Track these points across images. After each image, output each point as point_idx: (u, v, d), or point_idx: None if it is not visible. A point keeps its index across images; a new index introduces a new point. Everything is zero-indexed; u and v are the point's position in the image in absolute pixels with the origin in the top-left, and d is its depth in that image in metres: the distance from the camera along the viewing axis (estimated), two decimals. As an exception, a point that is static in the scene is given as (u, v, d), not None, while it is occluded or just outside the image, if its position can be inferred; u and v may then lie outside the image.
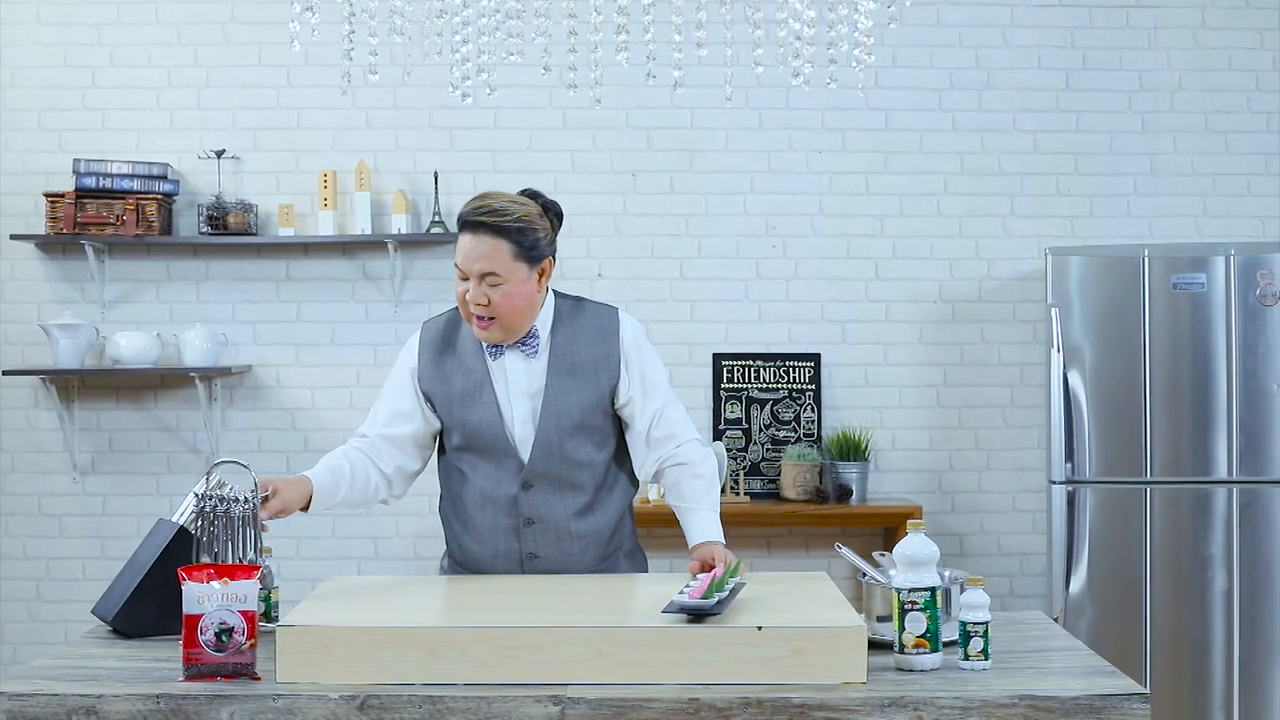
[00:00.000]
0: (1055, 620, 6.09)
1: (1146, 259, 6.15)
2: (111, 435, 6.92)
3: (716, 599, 3.17)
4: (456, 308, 4.03)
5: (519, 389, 3.95)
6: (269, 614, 3.78)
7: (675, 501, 4.09)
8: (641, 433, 4.05)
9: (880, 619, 3.46)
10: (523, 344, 3.95)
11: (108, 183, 6.64)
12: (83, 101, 6.89)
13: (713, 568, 3.77)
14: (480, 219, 3.81)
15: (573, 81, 4.34)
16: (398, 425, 4.08)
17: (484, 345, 3.96)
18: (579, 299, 4.08)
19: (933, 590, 3.21)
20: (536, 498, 3.96)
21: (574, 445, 3.97)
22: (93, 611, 3.77)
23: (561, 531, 3.99)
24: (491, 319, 3.85)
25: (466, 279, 3.84)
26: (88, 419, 6.92)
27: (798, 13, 4.10)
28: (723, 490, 6.49)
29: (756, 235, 6.88)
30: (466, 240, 3.83)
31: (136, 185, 6.66)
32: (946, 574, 3.57)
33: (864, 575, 3.64)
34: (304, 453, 6.85)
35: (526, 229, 3.83)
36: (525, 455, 3.95)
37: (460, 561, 4.10)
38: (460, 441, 4.01)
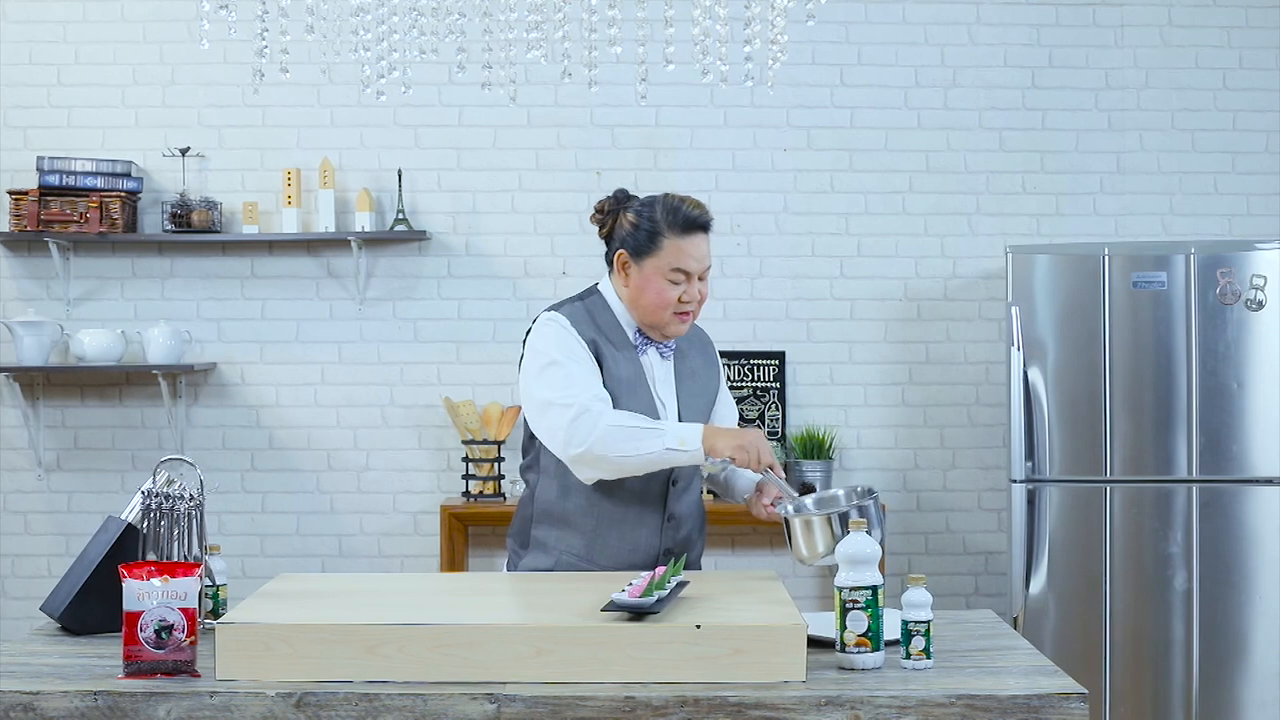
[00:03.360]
0: (1015, 619, 6.11)
1: (1107, 257, 6.15)
2: (76, 432, 6.91)
3: (656, 598, 3.17)
4: (576, 297, 4.10)
5: (661, 387, 4.04)
6: (217, 611, 3.78)
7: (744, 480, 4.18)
8: None
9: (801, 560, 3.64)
10: (664, 344, 4.06)
11: (72, 180, 6.63)
12: (48, 99, 6.88)
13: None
14: (708, 219, 3.98)
15: (487, 80, 4.30)
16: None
17: (630, 339, 4.02)
18: None
19: (874, 589, 3.21)
20: (679, 494, 4.04)
21: None
22: (41, 608, 3.77)
23: (690, 527, 4.07)
24: (691, 312, 4.00)
25: (680, 280, 3.93)
26: (52, 416, 6.91)
27: (709, 9, 4.10)
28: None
29: (721, 233, 6.83)
30: (698, 240, 3.95)
31: (100, 183, 6.65)
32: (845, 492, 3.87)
33: (782, 507, 3.77)
34: (268, 450, 6.85)
35: None
36: None
37: (587, 557, 4.01)
38: None
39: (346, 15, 4.12)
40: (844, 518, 3.66)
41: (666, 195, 4.00)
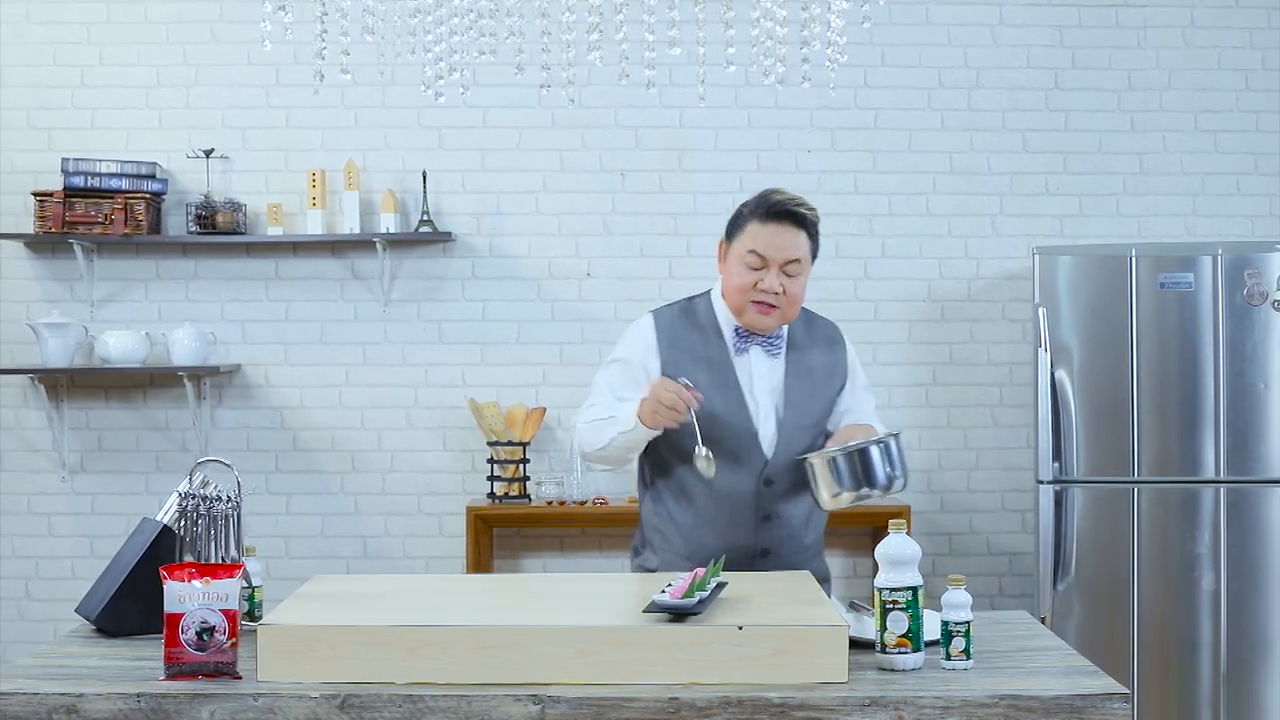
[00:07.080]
0: (1042, 620, 6.10)
1: (1134, 258, 6.15)
2: (100, 434, 6.91)
3: (698, 598, 3.17)
4: (685, 298, 4.16)
5: (761, 385, 4.03)
6: (253, 613, 3.79)
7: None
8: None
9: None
10: (769, 341, 4.05)
11: (96, 182, 6.63)
12: (72, 100, 6.89)
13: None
14: (795, 209, 3.96)
15: (546, 81, 4.30)
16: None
17: (728, 339, 4.03)
18: (804, 309, 4.15)
19: (914, 590, 3.21)
20: (776, 494, 4.02)
21: (807, 445, 4.06)
22: (77, 610, 3.77)
23: (795, 529, 4.06)
24: (775, 307, 3.96)
25: (760, 267, 3.93)
26: (77, 418, 6.91)
27: (770, 11, 4.11)
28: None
29: (745, 234, 6.86)
30: (777, 229, 3.94)
31: (125, 184, 6.65)
32: None
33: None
34: (293, 452, 6.85)
35: (816, 226, 4.02)
36: (769, 452, 4.01)
37: (686, 555, 4.03)
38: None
39: (405, 16, 4.11)
40: (861, 454, 3.78)
41: (771, 188, 4.06)
